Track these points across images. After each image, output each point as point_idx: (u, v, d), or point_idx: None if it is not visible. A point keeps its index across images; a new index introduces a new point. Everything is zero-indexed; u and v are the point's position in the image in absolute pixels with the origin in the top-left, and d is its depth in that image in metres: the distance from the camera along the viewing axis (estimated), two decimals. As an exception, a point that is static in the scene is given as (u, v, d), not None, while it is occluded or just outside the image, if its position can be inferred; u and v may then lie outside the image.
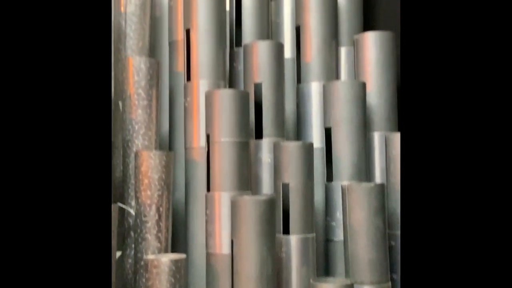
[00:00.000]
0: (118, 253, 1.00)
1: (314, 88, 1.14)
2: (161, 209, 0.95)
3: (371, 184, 0.92)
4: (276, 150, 0.97)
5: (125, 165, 1.05)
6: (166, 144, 1.16)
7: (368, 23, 1.32)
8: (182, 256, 0.88)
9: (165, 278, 0.85)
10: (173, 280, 0.85)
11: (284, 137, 1.08)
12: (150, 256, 0.89)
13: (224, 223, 0.92)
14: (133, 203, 1.02)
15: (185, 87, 1.08)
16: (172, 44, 1.17)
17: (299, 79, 1.18)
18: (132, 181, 1.03)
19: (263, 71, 1.05)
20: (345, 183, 0.99)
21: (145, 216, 0.95)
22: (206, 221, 0.95)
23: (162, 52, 1.22)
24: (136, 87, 1.04)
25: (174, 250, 1.03)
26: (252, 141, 1.04)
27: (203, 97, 1.01)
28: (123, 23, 1.13)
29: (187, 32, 1.08)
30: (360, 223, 0.91)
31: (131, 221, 1.02)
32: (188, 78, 1.07)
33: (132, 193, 1.03)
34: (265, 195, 0.98)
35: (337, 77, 1.19)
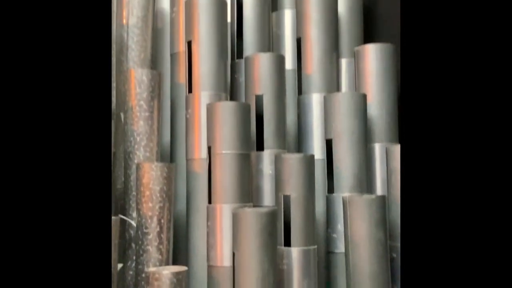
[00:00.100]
0: (119, 265, 1.00)
1: (315, 100, 1.15)
2: (162, 221, 0.95)
3: (372, 196, 0.92)
4: (278, 162, 0.97)
5: (126, 176, 1.05)
6: (168, 156, 1.16)
7: (368, 34, 1.32)
8: (183, 268, 0.88)
9: (166, 290, 0.85)
10: (174, 292, 0.85)
11: (285, 148, 1.08)
12: (152, 269, 0.89)
13: (225, 236, 0.92)
14: (134, 214, 1.02)
15: (187, 99, 1.08)
16: (173, 56, 1.18)
17: (300, 90, 1.18)
18: (134, 192, 1.03)
19: (264, 83, 1.06)
20: (346, 195, 0.99)
21: (146, 228, 0.95)
22: (208, 233, 0.95)
23: (164, 63, 1.23)
24: (138, 99, 1.04)
25: (175, 262, 1.02)
26: (253, 153, 1.04)
27: (205, 108, 1.01)
28: (125, 35, 1.14)
29: (189, 44, 1.09)
30: (361, 235, 0.91)
31: (132, 232, 1.02)
32: (190, 89, 1.08)
33: (134, 205, 1.03)
34: (266, 207, 0.98)
35: (338, 89, 1.20)
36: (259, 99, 1.06)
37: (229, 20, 1.18)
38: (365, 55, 1.16)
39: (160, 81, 1.07)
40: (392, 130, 1.14)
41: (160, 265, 0.95)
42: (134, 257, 0.99)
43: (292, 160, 0.95)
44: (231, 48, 1.21)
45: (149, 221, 0.95)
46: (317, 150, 1.13)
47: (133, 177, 1.03)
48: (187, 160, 1.07)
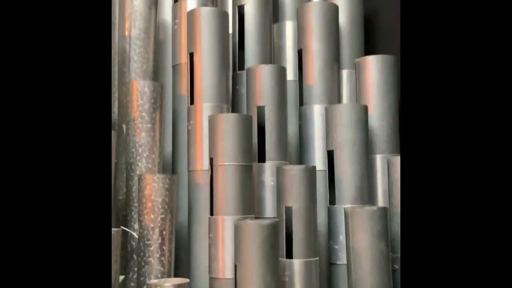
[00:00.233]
0: (121, 277, 1.00)
1: (316, 111, 1.15)
2: (164, 232, 0.96)
3: (374, 208, 0.92)
4: (279, 174, 0.97)
5: (128, 187, 1.05)
6: (169, 167, 1.17)
7: (369, 46, 1.33)
8: (185, 280, 0.88)
9: (168, 303, 0.85)
10: (176, 305, 0.85)
11: (286, 160, 1.08)
12: (153, 281, 0.89)
13: (227, 247, 0.92)
14: (136, 226, 1.02)
15: (189, 110, 1.08)
16: (175, 67, 1.18)
17: (301, 101, 1.19)
18: (136, 204, 1.03)
19: (265, 94, 1.07)
20: (348, 206, 0.99)
21: (148, 239, 0.95)
22: (209, 245, 0.95)
23: (166, 75, 1.23)
24: (140, 110, 1.05)
25: (177, 274, 1.02)
26: (255, 164, 1.05)
27: (207, 120, 1.01)
28: (128, 47, 1.14)
29: (191, 56, 1.10)
30: (363, 247, 0.91)
31: (134, 244, 1.02)
32: (192, 101, 1.08)
33: (135, 216, 1.03)
34: (268, 219, 0.98)
35: (339, 100, 1.20)
36: (260, 111, 1.07)
37: (230, 31, 1.19)
38: (366, 67, 1.17)
39: (162, 93, 1.08)
40: (393, 141, 1.14)
41: (162, 277, 0.94)
42: (135, 269, 0.99)
43: (294, 171, 0.96)
44: (233, 59, 1.21)
45: (151, 232, 0.95)
46: (319, 161, 1.13)
47: (135, 188, 1.03)
48: (189, 171, 1.07)
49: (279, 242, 0.86)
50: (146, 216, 0.96)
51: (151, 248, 0.95)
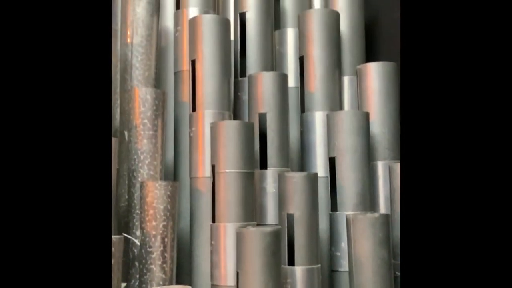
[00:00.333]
0: (123, 285, 1.00)
1: (318, 117, 1.15)
2: (166, 239, 0.96)
3: (376, 215, 0.92)
4: (281, 181, 0.97)
5: (130, 194, 1.05)
6: (171, 174, 1.17)
7: (370, 52, 1.34)
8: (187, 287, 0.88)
9: (170, 310, 0.85)
10: (178, 312, 0.85)
11: (288, 167, 1.08)
12: (155, 288, 0.89)
13: (229, 255, 0.92)
14: (138, 233, 1.02)
15: (190, 117, 1.09)
16: (177, 74, 1.19)
17: (302, 108, 1.19)
18: (137, 211, 1.03)
19: (267, 101, 1.07)
20: (350, 213, 0.99)
21: (150, 247, 0.95)
22: (211, 252, 0.95)
23: (167, 81, 1.24)
24: (142, 117, 1.05)
25: (178, 281, 1.02)
26: (257, 171, 1.05)
27: (208, 127, 1.02)
28: (130, 54, 1.15)
29: (193, 63, 1.10)
30: (365, 254, 0.91)
31: (136, 251, 1.02)
32: (194, 108, 1.08)
33: (137, 223, 1.03)
34: (270, 226, 0.98)
35: (341, 106, 1.20)
36: (262, 118, 1.07)
37: (232, 38, 1.19)
38: (367, 74, 1.17)
39: (164, 100, 1.08)
40: (395, 148, 1.15)
41: (164, 284, 0.94)
42: (137, 276, 0.99)
43: (296, 178, 0.96)
44: (234, 66, 1.22)
45: (153, 239, 0.95)
46: (320, 167, 1.13)
47: (137, 195, 1.03)
48: (190, 178, 1.07)
49: (281, 249, 0.86)
50: (148, 223, 0.96)
51: (153, 255, 0.95)
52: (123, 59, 1.16)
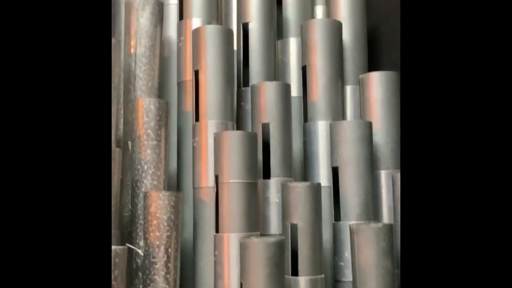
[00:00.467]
0: (127, 295, 1.00)
1: (321, 127, 1.16)
2: (169, 250, 0.96)
3: (379, 225, 0.92)
4: (284, 191, 0.97)
5: (133, 204, 1.05)
6: (174, 184, 1.17)
7: (372, 61, 1.34)
8: (190, 298, 0.88)
9: (173, 321, 0.85)
10: (181, 323, 0.85)
11: (291, 176, 1.08)
12: (159, 299, 0.89)
13: (232, 265, 0.92)
14: (141, 243, 1.02)
15: (194, 127, 1.09)
16: (180, 84, 1.19)
17: (305, 117, 1.19)
18: (141, 221, 1.03)
19: (270, 111, 1.07)
20: (353, 223, 0.99)
21: (153, 257, 0.95)
22: (215, 263, 0.95)
23: (170, 91, 1.24)
24: (146, 128, 1.05)
25: (182, 291, 1.02)
26: (260, 181, 1.05)
27: (212, 137, 1.02)
28: (133, 64, 1.15)
29: (196, 73, 1.10)
30: (368, 264, 0.91)
31: (139, 261, 1.02)
32: (197, 118, 1.09)
33: (141, 233, 1.03)
34: (273, 237, 0.98)
35: (343, 115, 1.21)
36: (265, 128, 1.07)
37: (235, 48, 1.20)
38: (369, 83, 1.17)
39: (168, 110, 1.08)
40: (398, 157, 1.15)
41: (167, 294, 0.94)
42: (141, 287, 0.99)
43: (299, 188, 0.96)
44: (237, 76, 1.22)
45: (157, 250, 0.95)
46: (323, 177, 1.13)
47: (140, 205, 1.03)
48: (194, 188, 1.07)
49: (284, 259, 0.86)
50: (151, 234, 0.96)
51: (157, 266, 0.95)
52: (127, 69, 1.16)
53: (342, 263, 1.05)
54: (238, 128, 1.17)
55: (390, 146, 1.14)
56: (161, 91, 1.20)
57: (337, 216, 1.08)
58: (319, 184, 0.99)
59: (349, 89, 1.26)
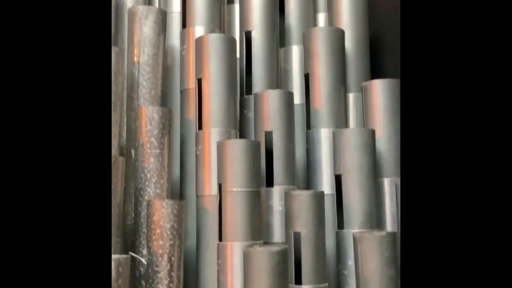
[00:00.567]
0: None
1: (324, 134, 1.16)
2: (173, 259, 0.95)
3: (383, 233, 0.92)
4: (287, 199, 0.97)
5: (137, 213, 1.05)
6: (177, 192, 1.17)
7: (374, 69, 1.34)
8: (194, 307, 0.88)
9: (177, 330, 0.85)
10: (185, 333, 0.85)
11: (294, 184, 1.08)
12: (162, 308, 0.89)
13: (236, 274, 0.92)
14: (144, 252, 1.02)
15: (197, 136, 1.09)
16: (183, 92, 1.19)
17: (308, 125, 1.19)
18: (144, 229, 1.03)
19: (273, 120, 1.07)
20: (356, 231, 0.99)
21: (157, 266, 0.95)
22: (218, 271, 0.95)
23: (173, 99, 1.24)
24: (149, 136, 1.06)
25: (185, 299, 1.02)
26: (263, 189, 1.05)
27: (215, 145, 1.02)
28: (136, 72, 1.16)
29: (199, 81, 1.11)
30: (372, 273, 0.91)
31: (142, 270, 1.02)
32: (200, 126, 1.09)
33: (144, 242, 1.03)
34: (277, 245, 0.98)
35: (346, 123, 1.21)
36: (268, 136, 1.07)
37: (238, 55, 1.20)
38: (372, 91, 1.17)
39: (171, 118, 1.09)
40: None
41: (171, 303, 0.94)
42: (144, 295, 0.99)
43: (302, 197, 0.96)
44: (240, 83, 1.22)
45: (160, 259, 0.95)
46: (326, 185, 1.13)
47: (143, 213, 1.04)
48: (197, 196, 1.07)
49: (288, 268, 0.86)
50: (154, 242, 0.96)
51: (160, 275, 0.95)
52: (130, 77, 1.16)
53: (345, 272, 1.04)
54: (241, 136, 1.17)
55: (393, 153, 1.14)
56: (164, 99, 1.21)
57: (340, 224, 1.07)
58: (322, 192, 0.99)
59: (351, 97, 1.27)
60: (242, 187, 0.95)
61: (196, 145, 1.09)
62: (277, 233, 1.04)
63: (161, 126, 1.06)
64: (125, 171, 1.11)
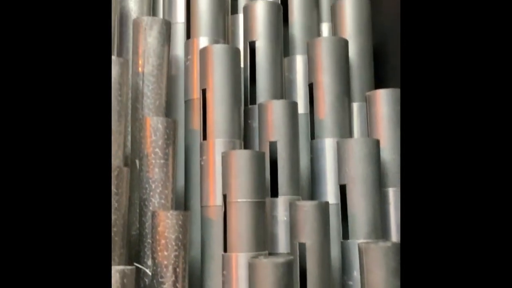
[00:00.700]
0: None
1: (328, 144, 1.16)
2: (177, 269, 0.95)
3: (388, 244, 0.91)
4: (292, 210, 0.97)
5: (141, 223, 1.05)
6: (182, 202, 1.17)
7: (378, 78, 1.34)
8: (199, 319, 0.88)
9: None
10: None
11: (299, 194, 1.08)
12: (167, 319, 0.88)
13: (241, 285, 0.92)
14: (149, 262, 1.02)
15: (201, 146, 1.09)
16: (188, 103, 1.20)
17: (312, 135, 1.19)
18: (149, 240, 1.03)
19: (277, 130, 1.07)
20: (362, 241, 0.99)
21: (162, 277, 0.95)
22: (223, 283, 0.94)
23: (178, 110, 1.25)
24: (153, 146, 1.06)
25: (190, 311, 1.02)
26: (268, 199, 1.05)
27: (219, 155, 1.02)
28: (141, 83, 1.16)
29: (203, 92, 1.11)
30: (378, 283, 0.90)
31: (147, 281, 1.01)
32: (204, 137, 1.09)
33: (149, 252, 1.03)
34: (282, 257, 0.97)
35: (350, 133, 1.21)
36: (273, 146, 1.07)
37: (242, 65, 1.20)
38: (376, 100, 1.17)
39: (175, 129, 1.09)
40: (406, 174, 1.14)
41: (175, 315, 0.94)
42: (149, 306, 0.98)
43: (307, 207, 0.96)
44: (244, 93, 1.23)
45: (165, 270, 0.95)
46: (331, 194, 1.13)
47: (148, 224, 1.03)
48: (201, 207, 1.07)
49: (293, 280, 0.85)
50: (159, 253, 0.95)
51: (165, 286, 0.94)
52: (135, 88, 1.17)
53: (351, 282, 1.04)
54: (245, 146, 1.17)
55: (397, 163, 1.14)
56: (168, 110, 1.21)
57: (345, 234, 1.07)
58: (327, 203, 0.98)
59: (356, 106, 1.27)
60: (247, 197, 0.95)
61: (201, 156, 1.09)
62: (282, 244, 1.04)
63: (165, 136, 1.06)
64: (130, 182, 1.11)
